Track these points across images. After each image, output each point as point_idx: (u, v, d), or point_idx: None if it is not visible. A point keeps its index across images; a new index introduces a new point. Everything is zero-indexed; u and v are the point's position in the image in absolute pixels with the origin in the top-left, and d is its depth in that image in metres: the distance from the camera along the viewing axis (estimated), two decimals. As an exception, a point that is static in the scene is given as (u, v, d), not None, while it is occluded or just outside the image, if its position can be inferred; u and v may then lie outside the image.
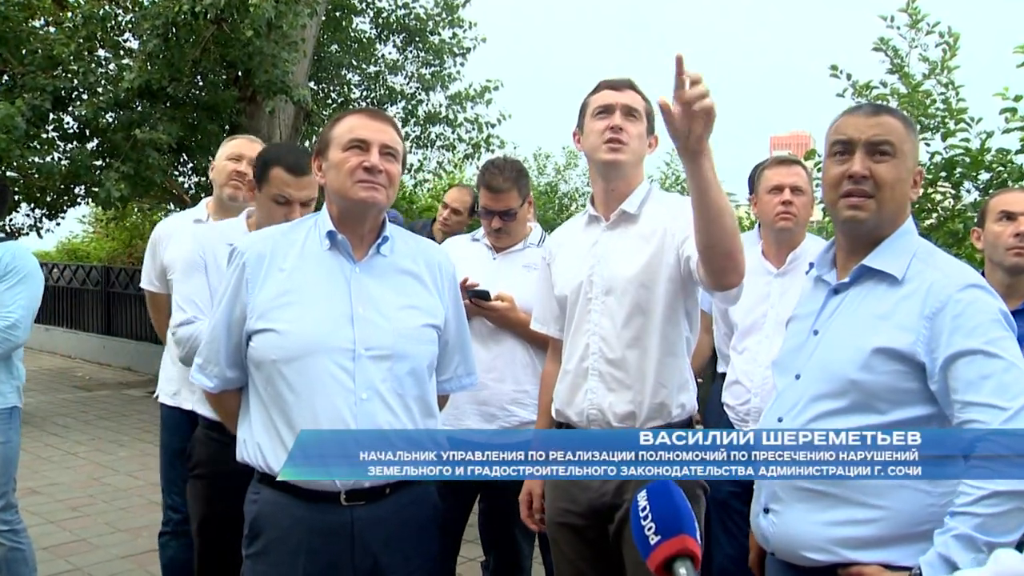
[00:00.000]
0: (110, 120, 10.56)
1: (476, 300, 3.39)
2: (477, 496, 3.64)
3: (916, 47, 6.89)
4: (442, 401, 2.65)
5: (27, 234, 12.47)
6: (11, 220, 12.30)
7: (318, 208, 2.49)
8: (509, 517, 3.17)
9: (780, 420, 2.11)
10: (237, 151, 3.69)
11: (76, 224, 21.81)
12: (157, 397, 3.94)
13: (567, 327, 2.81)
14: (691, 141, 2.04)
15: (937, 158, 5.95)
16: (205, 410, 2.96)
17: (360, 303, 2.28)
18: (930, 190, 6.24)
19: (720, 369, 4.00)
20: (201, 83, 11.39)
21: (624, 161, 2.68)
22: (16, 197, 11.68)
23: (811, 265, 2.27)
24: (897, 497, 1.92)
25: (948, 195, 6.39)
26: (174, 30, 9.84)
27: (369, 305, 2.29)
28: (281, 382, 2.23)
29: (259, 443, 2.27)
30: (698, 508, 2.74)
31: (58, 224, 12.67)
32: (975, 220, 3.28)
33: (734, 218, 2.25)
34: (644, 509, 1.62)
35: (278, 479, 2.18)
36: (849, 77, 7.14)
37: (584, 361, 2.71)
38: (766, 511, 2.12)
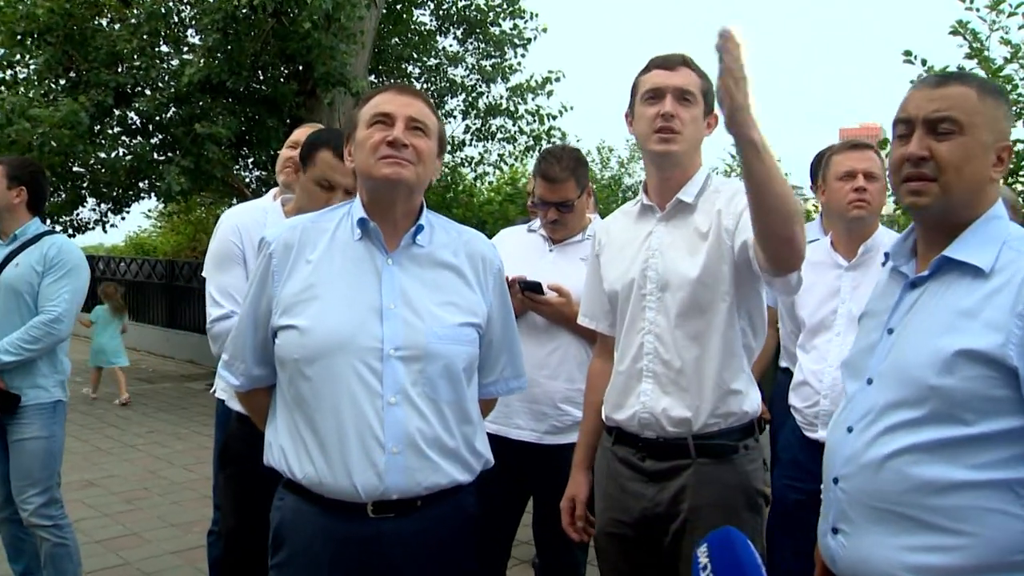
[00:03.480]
0: (171, 115, 10.63)
1: (528, 293, 3.21)
2: (529, 498, 3.46)
3: (997, 29, 6.57)
4: (488, 405, 2.46)
5: (93, 228, 12.69)
6: (78, 215, 12.54)
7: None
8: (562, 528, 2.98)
9: (850, 430, 1.88)
10: (296, 138, 3.56)
11: (144, 219, 22.27)
12: (215, 392, 3.84)
13: (619, 325, 2.61)
14: (726, 108, 1.93)
15: (1019, 146, 5.59)
16: (237, 404, 2.83)
17: (391, 298, 2.09)
18: (1011, 180, 5.89)
19: (783, 364, 3.77)
20: (261, 77, 11.40)
21: (677, 151, 2.47)
22: (83, 192, 11.89)
23: (886, 256, 2.01)
24: (986, 522, 1.67)
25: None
26: (234, 24, 9.86)
27: (401, 300, 2.10)
28: (303, 383, 2.06)
29: (283, 447, 2.11)
30: (759, 520, 2.54)
31: (123, 218, 12.87)
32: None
33: (791, 200, 2.06)
34: (705, 568, 1.42)
35: (302, 483, 2.04)
36: (924, 63, 6.80)
37: (638, 362, 2.51)
38: (835, 531, 1.90)
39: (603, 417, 2.64)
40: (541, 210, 3.39)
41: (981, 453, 1.68)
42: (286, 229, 2.18)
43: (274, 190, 3.58)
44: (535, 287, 3.21)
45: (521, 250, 3.43)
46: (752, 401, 2.50)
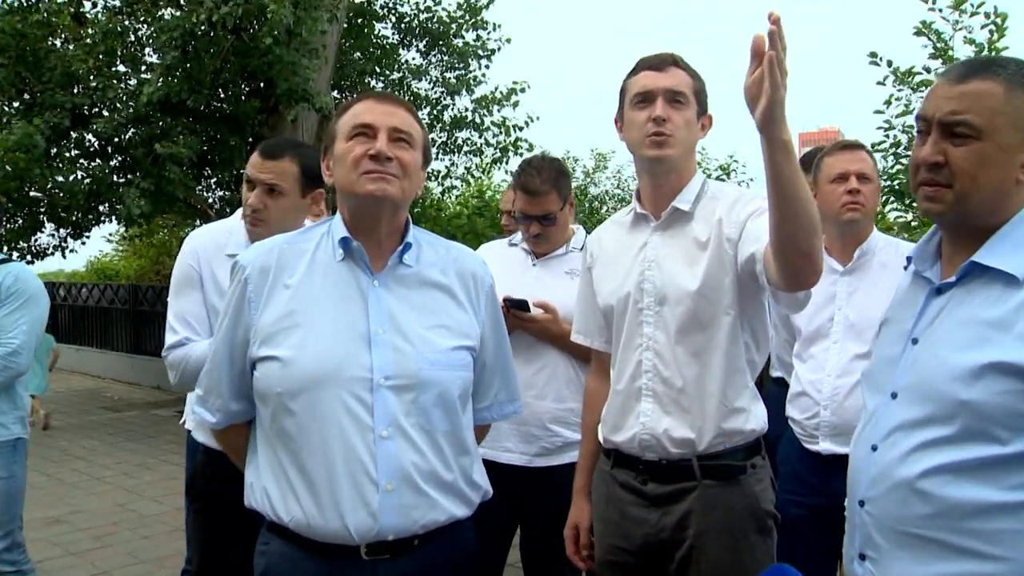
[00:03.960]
0: (130, 136, 10.41)
1: (514, 311, 3.07)
2: (516, 526, 3.31)
3: (961, 29, 6.59)
4: (482, 431, 2.32)
5: (52, 254, 12.40)
6: (36, 241, 12.24)
7: (334, 212, 2.17)
8: (554, 552, 2.84)
9: (875, 449, 1.74)
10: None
11: (105, 243, 21.92)
12: (184, 424, 3.66)
13: (615, 341, 2.48)
14: (767, 102, 1.75)
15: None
16: (204, 436, 2.67)
17: (379, 323, 1.94)
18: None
19: (775, 373, 3.66)
20: (222, 95, 11.20)
21: (671, 156, 2.34)
22: (41, 217, 11.61)
23: (908, 260, 1.88)
24: (1022, 545, 1.55)
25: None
26: (192, 42, 9.66)
27: (390, 325, 1.95)
28: (288, 418, 1.90)
29: (266, 488, 1.95)
30: (769, 543, 2.41)
31: (83, 243, 12.59)
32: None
33: (815, 210, 1.91)
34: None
35: (289, 527, 1.89)
36: (890, 64, 6.78)
37: (636, 380, 2.38)
38: (862, 557, 1.77)
39: (600, 439, 2.51)
40: (523, 224, 3.26)
41: (1017, 473, 1.55)
42: (261, 252, 2.02)
43: (240, 209, 3.41)
44: (521, 304, 3.08)
45: (503, 265, 3.28)
46: (758, 418, 2.39)
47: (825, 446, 3.02)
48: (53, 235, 12.34)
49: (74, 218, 11.76)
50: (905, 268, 1.90)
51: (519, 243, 3.36)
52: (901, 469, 1.66)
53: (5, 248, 11.96)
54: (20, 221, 11.44)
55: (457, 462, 2.00)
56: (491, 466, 3.07)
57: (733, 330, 2.30)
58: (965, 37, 6.59)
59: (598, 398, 2.57)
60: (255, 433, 2.03)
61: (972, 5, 6.45)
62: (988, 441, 1.56)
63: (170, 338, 2.74)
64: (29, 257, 12.30)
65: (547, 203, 3.15)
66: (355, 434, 1.86)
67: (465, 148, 14.56)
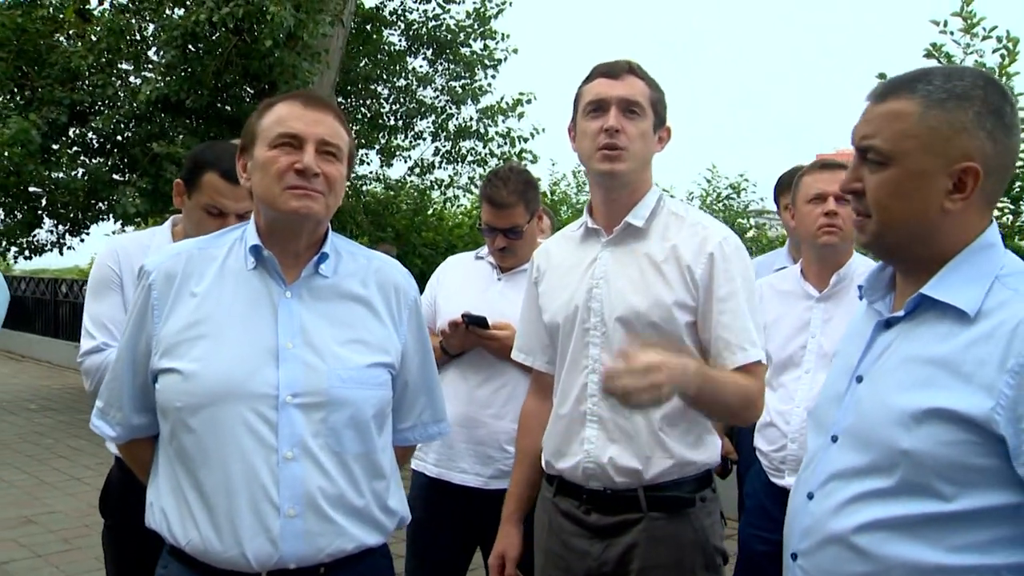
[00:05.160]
0: (129, 134, 10.36)
1: (473, 328, 2.94)
2: (476, 547, 3.17)
3: (971, 53, 6.46)
4: (406, 453, 2.19)
5: (51, 250, 12.35)
6: (35, 236, 12.18)
7: None
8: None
9: (810, 497, 1.59)
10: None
11: (105, 240, 21.94)
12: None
13: (560, 362, 2.35)
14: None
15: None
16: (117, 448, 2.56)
17: (289, 337, 1.82)
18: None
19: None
20: (225, 96, 11.14)
21: (622, 170, 2.21)
22: (40, 213, 11.57)
23: (860, 288, 1.72)
24: None
25: (1007, 211, 5.87)
26: (193, 41, 9.61)
27: (301, 339, 1.83)
28: (187, 435, 1.78)
29: (164, 508, 1.83)
30: None
31: (82, 240, 12.53)
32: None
33: (735, 405, 2.16)
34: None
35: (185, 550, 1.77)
36: (899, 85, 6.65)
37: (581, 404, 2.25)
38: None
39: (543, 463, 2.38)
40: (488, 237, 3.13)
41: (962, 533, 1.39)
42: (168, 257, 1.90)
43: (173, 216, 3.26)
44: (480, 321, 2.95)
45: (467, 279, 3.17)
46: (709, 450, 2.26)
47: (791, 481, 2.87)
48: (52, 231, 12.30)
49: (72, 215, 11.70)
50: (860, 298, 1.75)
51: (485, 257, 3.24)
52: (835, 521, 1.52)
53: (3, 243, 11.96)
54: (19, 216, 11.39)
55: (370, 487, 1.87)
56: (445, 487, 2.99)
57: (685, 355, 2.18)
58: (976, 61, 6.48)
59: (535, 421, 2.45)
60: (158, 449, 1.91)
61: (984, 28, 6.35)
62: (929, 496, 1.41)
63: (86, 343, 2.61)
64: (28, 253, 12.28)
65: (513, 216, 3.02)
66: (256, 454, 1.75)
67: (469, 158, 14.51)
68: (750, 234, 14.99)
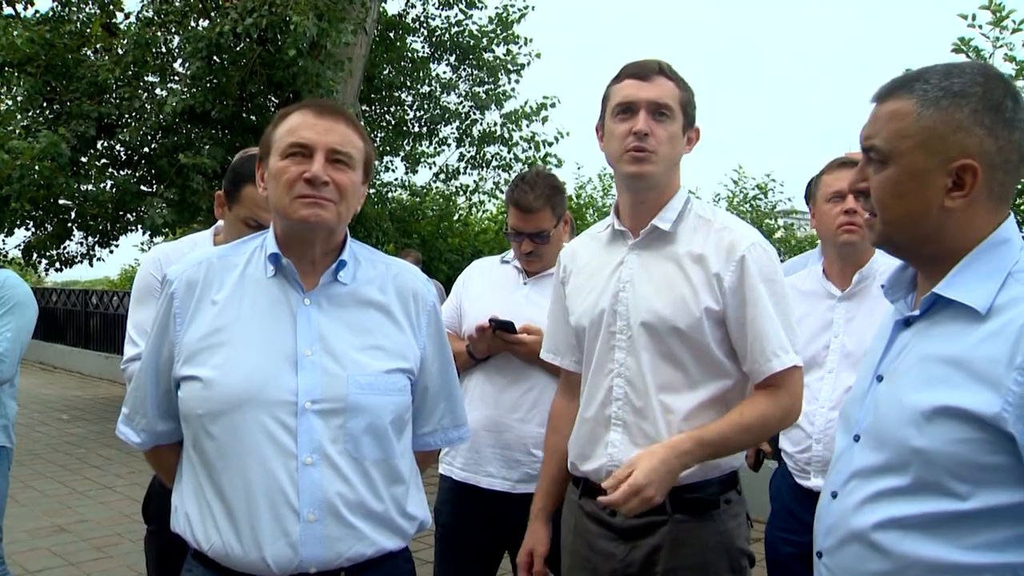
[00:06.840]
0: (155, 146, 10.48)
1: (500, 332, 2.94)
2: (504, 552, 3.18)
3: (1001, 46, 6.35)
4: (428, 458, 2.19)
5: (80, 262, 12.51)
6: (65, 248, 12.34)
7: None
8: None
9: (834, 496, 1.59)
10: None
11: (139, 252, 22.16)
12: None
13: (586, 364, 2.35)
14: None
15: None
16: None
17: (308, 343, 1.84)
18: (1018, 200, 5.66)
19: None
20: (249, 106, 11.25)
21: (651, 172, 2.19)
22: (69, 225, 11.73)
23: (883, 287, 1.70)
24: None
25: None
26: (218, 52, 9.71)
27: (319, 346, 1.84)
28: (208, 442, 1.80)
29: (188, 513, 1.85)
30: None
31: (111, 252, 12.68)
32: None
33: (760, 434, 2.21)
34: None
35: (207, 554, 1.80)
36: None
37: (606, 407, 2.25)
38: None
39: (568, 465, 2.38)
40: (515, 241, 3.13)
41: (978, 532, 1.38)
42: (190, 265, 1.92)
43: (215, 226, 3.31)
44: (507, 326, 2.95)
45: (493, 284, 3.17)
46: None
47: (817, 482, 2.84)
48: (82, 243, 12.46)
49: (101, 227, 11.85)
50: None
51: (511, 261, 3.24)
52: (855, 519, 1.51)
53: (35, 255, 12.13)
54: (49, 229, 11.55)
55: (389, 492, 1.88)
56: (472, 490, 2.99)
57: (712, 357, 2.17)
58: (1006, 55, 6.38)
59: (563, 418, 2.45)
60: (182, 455, 1.93)
61: (1014, 22, 6.26)
62: (944, 495, 1.40)
63: (129, 350, 2.64)
64: (59, 265, 12.44)
65: (540, 220, 3.02)
66: (276, 460, 1.76)
67: (494, 163, 14.53)
68: (778, 235, 14.89)
